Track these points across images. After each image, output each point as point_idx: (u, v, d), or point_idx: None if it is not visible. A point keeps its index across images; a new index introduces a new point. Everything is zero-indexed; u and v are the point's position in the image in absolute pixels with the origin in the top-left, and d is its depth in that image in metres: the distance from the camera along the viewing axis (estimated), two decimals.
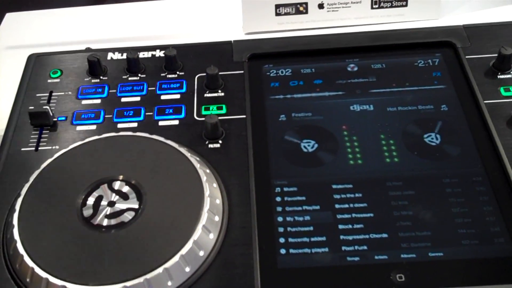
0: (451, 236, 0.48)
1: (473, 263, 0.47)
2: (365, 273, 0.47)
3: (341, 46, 0.64)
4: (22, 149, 0.56)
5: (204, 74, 0.61)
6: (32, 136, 0.57)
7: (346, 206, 0.51)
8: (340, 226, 0.49)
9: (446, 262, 0.47)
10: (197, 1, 0.82)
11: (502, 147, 0.53)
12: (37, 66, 0.63)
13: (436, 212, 0.50)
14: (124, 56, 0.63)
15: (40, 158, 0.54)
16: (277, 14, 0.79)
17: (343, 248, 0.48)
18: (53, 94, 0.60)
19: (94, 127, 0.57)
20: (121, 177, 0.51)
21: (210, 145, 0.55)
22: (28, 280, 0.46)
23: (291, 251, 0.48)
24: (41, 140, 0.56)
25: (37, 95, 0.60)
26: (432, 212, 0.50)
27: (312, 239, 0.49)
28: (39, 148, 0.56)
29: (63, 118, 0.58)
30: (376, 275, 0.46)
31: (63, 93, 0.60)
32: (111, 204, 0.49)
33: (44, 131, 0.57)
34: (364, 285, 0.46)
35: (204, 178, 0.50)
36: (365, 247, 0.48)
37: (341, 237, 0.49)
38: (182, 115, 0.58)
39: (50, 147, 0.55)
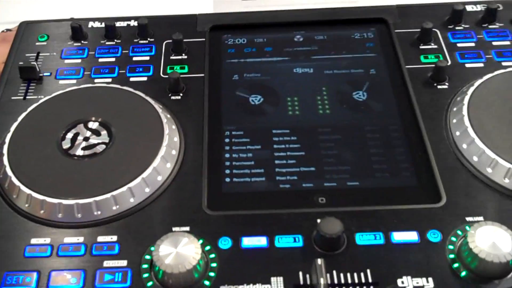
0: (367, 170, 0.59)
1: (382, 190, 0.57)
2: (294, 196, 0.57)
3: (289, 20, 0.75)
4: (12, 97, 0.66)
5: (171, 41, 0.71)
6: (20, 88, 0.67)
7: (283, 146, 0.61)
8: (276, 161, 0.60)
9: (360, 189, 0.57)
10: None
11: (416, 102, 0.64)
12: (27, 31, 0.73)
13: (356, 152, 0.60)
14: (103, 24, 0.73)
15: (27, 105, 0.64)
16: None
17: (277, 178, 0.58)
18: (40, 54, 0.70)
19: (74, 81, 0.67)
20: (94, 118, 0.61)
21: (172, 97, 0.65)
22: (14, 196, 0.56)
23: (234, 179, 0.58)
24: (29, 91, 0.66)
25: (26, 55, 0.70)
26: (353, 152, 0.60)
27: (253, 170, 0.59)
28: (27, 97, 0.66)
29: (48, 74, 0.68)
30: (303, 198, 0.57)
31: (48, 54, 0.70)
32: (86, 139, 0.59)
33: (31, 84, 0.67)
34: (293, 206, 0.56)
35: (164, 120, 0.60)
36: (295, 177, 0.58)
37: (276, 169, 0.59)
38: (150, 73, 0.68)
39: (36, 97, 0.65)
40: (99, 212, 0.54)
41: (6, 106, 0.65)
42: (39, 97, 0.65)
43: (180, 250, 0.49)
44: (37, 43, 0.72)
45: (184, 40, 0.70)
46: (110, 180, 0.55)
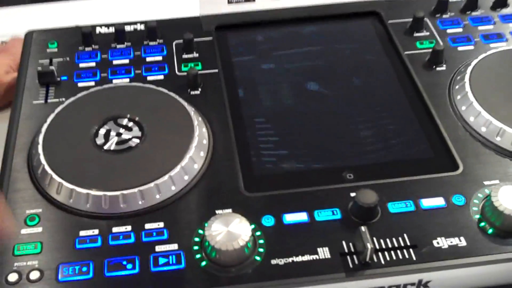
0: (386, 146, 0.63)
1: (403, 163, 0.62)
2: (323, 174, 0.61)
3: (287, 17, 0.79)
4: (34, 102, 0.67)
5: (180, 41, 0.74)
6: (40, 93, 0.68)
7: (303, 129, 0.65)
8: (299, 143, 0.63)
9: (383, 163, 0.61)
10: None
11: (420, 82, 0.69)
12: (35, 40, 0.74)
13: (374, 130, 0.65)
14: (111, 30, 0.75)
15: (51, 108, 0.65)
16: (229, 2, 0.92)
17: (304, 158, 0.62)
18: (53, 60, 0.72)
19: (92, 83, 0.69)
20: (123, 115, 0.63)
21: (192, 92, 0.68)
22: (47, 183, 0.57)
23: (264, 161, 0.62)
24: (49, 95, 0.68)
25: (40, 61, 0.71)
26: (371, 130, 0.65)
27: (278, 152, 0.62)
28: (48, 101, 0.67)
29: (65, 78, 0.69)
30: (332, 175, 0.60)
31: (61, 59, 0.72)
32: (119, 134, 0.61)
33: (50, 88, 0.68)
34: (324, 183, 0.59)
35: (192, 113, 0.63)
36: (321, 156, 0.62)
37: (301, 151, 0.63)
38: (166, 71, 0.70)
39: (57, 100, 0.67)
40: (143, 201, 0.56)
41: (28, 111, 0.66)
42: (61, 99, 0.67)
43: (231, 229, 0.52)
44: (48, 50, 0.73)
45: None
46: (151, 170, 0.57)
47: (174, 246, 0.54)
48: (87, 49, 0.73)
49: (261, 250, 0.53)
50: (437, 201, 0.57)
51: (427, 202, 0.57)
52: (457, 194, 0.57)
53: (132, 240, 0.54)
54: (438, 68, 0.71)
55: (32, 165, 0.60)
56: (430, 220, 0.56)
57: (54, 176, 0.57)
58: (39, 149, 0.59)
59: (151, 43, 0.74)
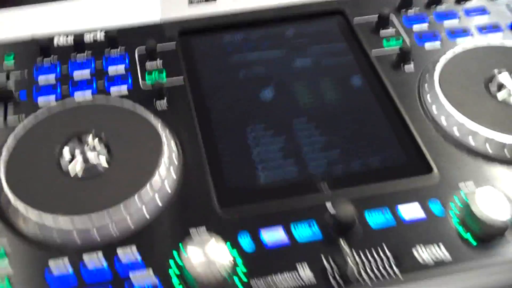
0: (357, 152, 0.62)
1: (375, 168, 0.61)
2: (296, 184, 0.59)
3: (249, 19, 0.77)
4: None
5: (142, 47, 0.71)
6: None
7: (269, 138, 0.63)
8: (269, 153, 0.62)
9: (355, 170, 0.60)
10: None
11: (389, 83, 0.68)
12: None
13: (343, 136, 0.63)
14: (69, 39, 0.72)
15: (9, 126, 0.62)
16: (190, 2, 0.89)
17: (275, 169, 0.61)
18: (10, 73, 0.68)
19: (53, 98, 0.66)
20: (88, 133, 0.60)
21: (157, 103, 0.65)
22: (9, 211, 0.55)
23: (235, 174, 0.60)
24: (7, 112, 0.64)
25: None
26: (339, 136, 0.63)
27: (250, 164, 0.61)
28: (7, 118, 0.64)
29: (24, 92, 0.66)
30: (305, 185, 0.59)
31: (19, 72, 0.69)
32: (84, 154, 0.59)
33: (8, 105, 0.65)
34: (296, 193, 0.58)
35: (159, 127, 0.61)
36: (291, 166, 0.61)
37: (270, 161, 0.61)
38: (130, 82, 0.68)
39: (16, 116, 0.64)
40: (113, 224, 0.54)
41: None
42: (20, 116, 0.64)
43: (210, 254, 0.50)
44: (5, 62, 0.70)
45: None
46: (119, 191, 0.55)
47: (149, 272, 0.52)
48: (46, 60, 0.70)
49: (239, 270, 0.52)
50: (413, 207, 0.56)
51: (404, 208, 0.56)
52: (433, 198, 0.57)
53: (105, 267, 0.52)
54: (406, 67, 0.70)
55: None
56: (408, 227, 0.55)
57: (19, 203, 0.54)
58: (1, 174, 0.56)
59: (113, 52, 0.71)
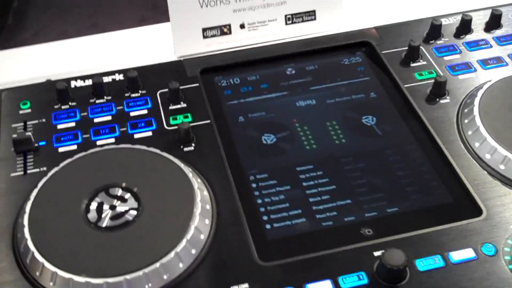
0: (401, 194, 0.59)
1: (422, 212, 0.57)
2: (340, 232, 0.56)
3: (276, 54, 0.74)
4: (12, 174, 0.60)
5: (164, 90, 0.68)
6: (18, 163, 0.61)
7: (312, 182, 0.60)
8: (311, 199, 0.58)
9: (401, 214, 0.57)
10: (127, 34, 0.88)
11: (426, 119, 0.65)
12: (5, 100, 0.67)
13: (385, 177, 0.60)
14: (87, 83, 0.69)
15: (31, 180, 0.59)
16: (205, 37, 0.87)
17: (317, 216, 0.57)
18: (27, 123, 0.65)
19: (75, 147, 0.63)
20: (119, 184, 0.57)
21: (185, 149, 0.62)
22: (37, 274, 0.51)
23: (275, 225, 0.56)
24: (27, 164, 0.61)
25: (13, 125, 0.65)
26: (381, 178, 0.60)
27: (290, 213, 0.57)
28: (28, 172, 0.60)
29: (44, 143, 0.63)
30: (349, 233, 0.56)
31: (37, 121, 0.65)
32: (113, 208, 0.55)
33: (28, 157, 0.62)
34: (343, 243, 0.55)
35: (190, 175, 0.57)
36: (335, 213, 0.57)
37: (313, 207, 0.58)
38: (154, 127, 0.64)
39: (37, 169, 0.60)
40: (150, 284, 0.50)
41: (6, 185, 0.59)
42: (41, 169, 0.60)
43: None
44: (20, 112, 0.66)
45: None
46: (154, 248, 0.52)
47: None
48: (64, 107, 0.67)
49: None
50: (467, 253, 0.53)
51: (456, 255, 0.53)
52: (486, 242, 0.54)
53: None
54: (441, 101, 0.67)
55: (18, 252, 0.53)
56: (462, 275, 0.52)
57: (47, 264, 0.51)
58: (26, 232, 0.53)
59: (133, 95, 0.68)
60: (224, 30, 0.87)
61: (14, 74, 0.72)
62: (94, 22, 1.55)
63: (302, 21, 0.88)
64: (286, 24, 0.87)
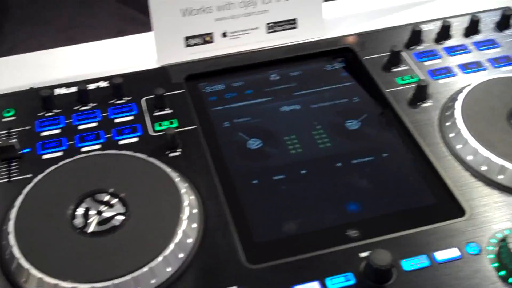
0: (386, 196, 0.60)
1: (407, 213, 0.58)
2: (326, 234, 0.56)
3: (260, 61, 0.75)
4: None
5: (149, 96, 0.68)
6: (1, 170, 0.61)
7: (297, 185, 0.60)
8: (297, 202, 0.59)
9: (386, 216, 0.58)
10: (110, 42, 0.88)
11: (408, 122, 0.66)
12: None
13: (370, 180, 0.61)
14: (71, 90, 0.69)
15: (16, 187, 0.58)
16: (187, 45, 0.87)
17: (304, 218, 0.57)
18: (11, 130, 0.65)
19: (59, 153, 0.62)
20: (105, 189, 0.57)
21: (171, 154, 0.62)
22: (23, 280, 0.51)
23: (262, 228, 0.57)
24: (12, 171, 0.61)
25: None
26: (366, 180, 0.61)
27: (277, 215, 0.58)
28: (12, 179, 0.60)
29: (28, 150, 0.63)
30: (336, 235, 0.56)
31: (21, 129, 0.65)
32: (99, 213, 0.55)
33: (12, 164, 0.61)
34: (328, 244, 0.55)
35: (176, 180, 0.57)
36: (322, 215, 0.58)
37: (300, 210, 0.58)
38: (139, 133, 0.64)
39: (22, 176, 0.60)
40: None
41: None
42: (26, 176, 0.60)
43: None
44: (4, 119, 0.66)
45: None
46: (142, 252, 0.52)
47: None
48: (48, 114, 0.67)
49: None
50: (452, 252, 0.54)
51: (441, 255, 0.54)
52: (471, 241, 0.54)
53: None
54: (423, 105, 0.68)
55: (3, 259, 0.53)
56: (448, 273, 0.52)
57: (33, 270, 0.50)
58: (11, 239, 0.52)
59: (118, 102, 0.68)
60: (206, 38, 0.87)
61: None
62: (71, 36, 1.54)
63: (284, 29, 0.89)
64: (268, 32, 0.88)
